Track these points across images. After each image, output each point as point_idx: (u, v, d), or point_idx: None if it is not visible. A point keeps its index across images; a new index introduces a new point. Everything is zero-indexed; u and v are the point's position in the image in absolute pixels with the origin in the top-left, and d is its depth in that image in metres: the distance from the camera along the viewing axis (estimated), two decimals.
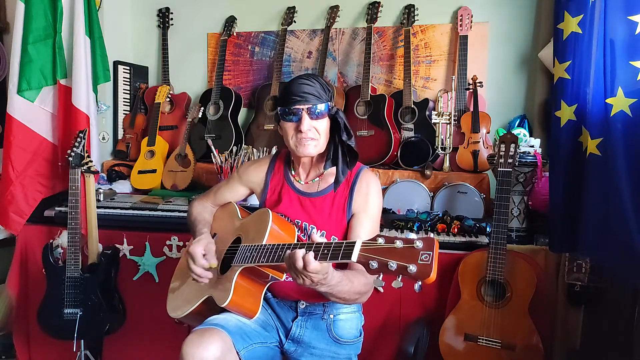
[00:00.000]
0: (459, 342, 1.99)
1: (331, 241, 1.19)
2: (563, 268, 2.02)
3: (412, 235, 1.06)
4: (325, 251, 1.16)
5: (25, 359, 2.53)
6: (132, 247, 2.41)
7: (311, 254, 1.17)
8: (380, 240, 1.08)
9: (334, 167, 1.52)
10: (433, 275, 1.00)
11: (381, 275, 1.07)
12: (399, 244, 1.05)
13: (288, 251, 1.23)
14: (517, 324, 1.92)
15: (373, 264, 1.06)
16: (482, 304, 1.97)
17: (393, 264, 1.03)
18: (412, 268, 1.01)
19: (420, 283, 1.04)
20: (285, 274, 1.44)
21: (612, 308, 1.95)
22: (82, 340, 2.33)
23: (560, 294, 2.07)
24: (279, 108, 1.51)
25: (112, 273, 2.37)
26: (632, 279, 1.71)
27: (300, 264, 1.18)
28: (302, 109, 1.46)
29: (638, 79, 1.56)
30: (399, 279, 1.05)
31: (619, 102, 1.59)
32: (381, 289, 2.12)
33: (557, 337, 2.07)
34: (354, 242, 1.12)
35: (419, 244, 1.03)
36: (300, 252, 1.18)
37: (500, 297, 1.95)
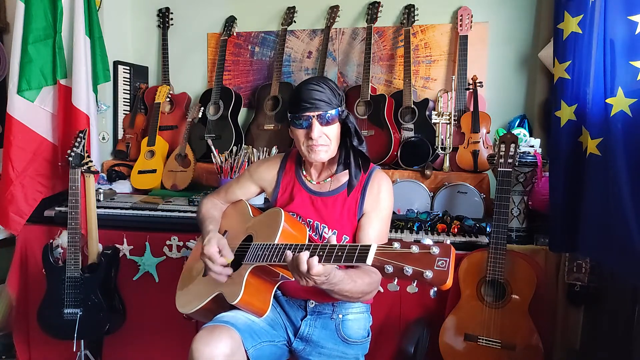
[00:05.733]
0: (459, 342, 1.99)
1: (345, 244, 1.19)
2: (563, 268, 2.03)
3: (429, 241, 1.06)
4: (340, 253, 1.16)
5: (25, 359, 2.53)
6: (132, 247, 2.41)
7: (315, 258, 1.18)
8: (396, 245, 1.08)
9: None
10: (449, 282, 1.01)
11: (396, 280, 1.07)
12: (415, 249, 1.05)
13: (298, 254, 1.22)
14: (517, 324, 1.92)
15: (388, 268, 1.06)
16: (482, 304, 1.97)
17: (409, 269, 1.04)
18: (428, 274, 1.01)
19: (435, 289, 1.04)
20: None
21: (612, 308, 1.94)
22: (82, 340, 2.33)
23: (560, 294, 2.07)
24: (289, 114, 1.51)
25: (112, 273, 2.37)
26: (632, 279, 1.70)
27: (304, 267, 1.19)
28: (313, 116, 1.45)
29: (638, 79, 1.56)
30: (414, 284, 1.06)
31: (619, 102, 1.58)
32: (381, 289, 2.12)
33: (557, 337, 2.07)
34: (369, 246, 1.11)
35: (435, 250, 1.03)
36: (304, 256, 1.19)
37: (500, 297, 1.95)
